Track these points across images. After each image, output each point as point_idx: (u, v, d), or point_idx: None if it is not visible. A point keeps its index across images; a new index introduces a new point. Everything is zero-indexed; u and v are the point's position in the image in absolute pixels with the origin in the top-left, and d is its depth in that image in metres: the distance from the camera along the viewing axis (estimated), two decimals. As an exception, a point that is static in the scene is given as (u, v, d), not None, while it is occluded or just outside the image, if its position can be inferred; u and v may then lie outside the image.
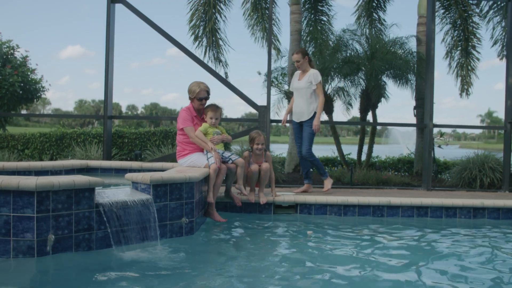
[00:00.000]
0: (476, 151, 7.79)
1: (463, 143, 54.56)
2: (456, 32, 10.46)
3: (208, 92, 4.91)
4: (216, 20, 9.83)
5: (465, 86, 10.91)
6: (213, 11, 9.71)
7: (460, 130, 70.20)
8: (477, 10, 10.35)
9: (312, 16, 10.20)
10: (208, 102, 4.97)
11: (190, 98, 4.94)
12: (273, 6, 9.92)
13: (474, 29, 10.33)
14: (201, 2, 9.73)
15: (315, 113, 5.69)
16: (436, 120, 9.45)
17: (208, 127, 4.83)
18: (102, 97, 6.61)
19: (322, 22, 10.17)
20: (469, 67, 10.68)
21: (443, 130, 9.83)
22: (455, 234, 4.44)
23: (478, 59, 10.62)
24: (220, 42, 9.97)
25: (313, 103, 5.71)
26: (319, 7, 10.18)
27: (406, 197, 5.53)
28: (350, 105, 9.24)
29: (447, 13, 10.42)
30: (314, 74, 5.67)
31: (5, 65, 9.53)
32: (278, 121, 8.05)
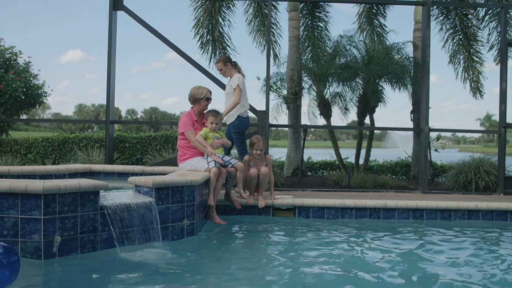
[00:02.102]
0: (472, 155, 7.91)
1: (462, 147, 54.58)
2: (457, 36, 10.57)
3: (211, 94, 5.11)
4: (221, 26, 9.96)
5: (475, 87, 11.00)
6: (218, 17, 9.85)
7: (459, 134, 70.32)
8: (474, 13, 10.49)
9: (309, 22, 10.34)
10: (209, 107, 5.12)
11: (192, 103, 5.08)
12: (273, 12, 10.07)
13: (475, 31, 10.47)
14: (206, 10, 9.85)
15: (238, 116, 5.59)
16: (437, 124, 9.54)
17: (209, 131, 4.95)
18: (102, 102, 6.79)
19: (319, 28, 10.31)
20: (477, 69, 10.79)
21: (442, 134, 9.94)
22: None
23: (483, 61, 10.74)
24: (228, 49, 10.13)
25: (237, 106, 5.60)
26: (316, 13, 10.32)
27: (402, 200, 5.63)
28: (348, 109, 9.35)
29: (446, 19, 10.56)
30: (233, 79, 5.66)
31: (8, 70, 9.67)
32: (277, 126, 8.18)
